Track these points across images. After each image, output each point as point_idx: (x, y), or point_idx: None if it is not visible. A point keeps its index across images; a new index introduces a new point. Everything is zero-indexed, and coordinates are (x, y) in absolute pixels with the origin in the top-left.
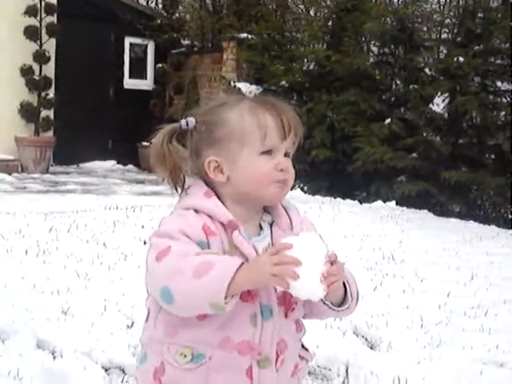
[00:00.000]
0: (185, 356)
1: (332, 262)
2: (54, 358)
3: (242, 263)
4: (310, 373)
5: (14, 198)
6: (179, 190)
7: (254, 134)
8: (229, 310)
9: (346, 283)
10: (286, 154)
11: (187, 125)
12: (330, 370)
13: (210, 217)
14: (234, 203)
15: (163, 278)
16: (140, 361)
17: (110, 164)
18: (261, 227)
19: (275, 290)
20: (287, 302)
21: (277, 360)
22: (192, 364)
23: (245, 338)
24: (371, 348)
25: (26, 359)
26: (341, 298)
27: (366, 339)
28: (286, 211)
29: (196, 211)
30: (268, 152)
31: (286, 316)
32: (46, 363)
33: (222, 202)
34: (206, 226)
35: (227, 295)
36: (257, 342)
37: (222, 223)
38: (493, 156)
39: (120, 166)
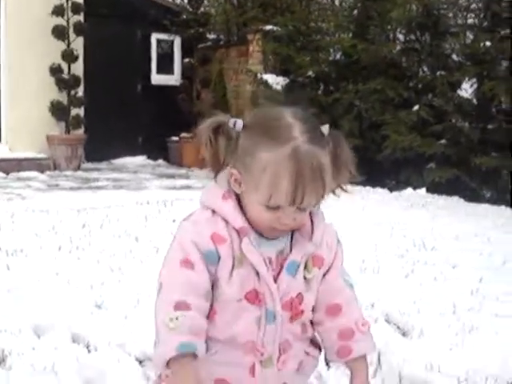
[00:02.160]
0: None
1: None
2: (89, 351)
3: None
4: None
5: (46, 196)
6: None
7: (264, 188)
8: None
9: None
10: (298, 207)
11: (234, 126)
12: None
13: (225, 220)
14: None
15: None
16: (155, 345)
17: (141, 159)
18: None
19: (280, 296)
20: (294, 308)
21: (278, 359)
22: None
23: (250, 338)
24: (403, 335)
25: (61, 353)
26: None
27: (398, 327)
28: (310, 215)
29: (213, 212)
30: (273, 207)
31: (291, 321)
32: (81, 357)
33: (241, 203)
34: (216, 235)
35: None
36: (260, 343)
37: (235, 228)
38: None
39: (150, 161)
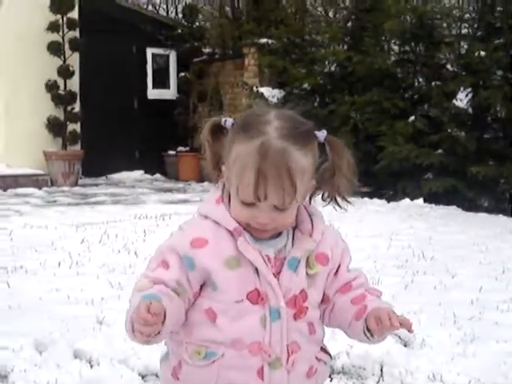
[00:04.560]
0: (199, 353)
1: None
2: (91, 366)
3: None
4: (344, 372)
5: (45, 212)
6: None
7: (233, 180)
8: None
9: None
10: (275, 207)
11: (225, 123)
12: (364, 369)
13: (216, 223)
14: None
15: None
16: (162, 359)
17: (138, 174)
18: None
19: (283, 293)
20: (298, 305)
21: (287, 360)
22: (205, 361)
23: (255, 339)
24: (405, 346)
25: (63, 369)
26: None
27: (400, 337)
28: (309, 216)
29: (206, 217)
30: (245, 202)
31: (295, 319)
32: (84, 372)
33: None
34: (197, 239)
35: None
36: (267, 344)
37: (229, 230)
38: None
39: (147, 176)
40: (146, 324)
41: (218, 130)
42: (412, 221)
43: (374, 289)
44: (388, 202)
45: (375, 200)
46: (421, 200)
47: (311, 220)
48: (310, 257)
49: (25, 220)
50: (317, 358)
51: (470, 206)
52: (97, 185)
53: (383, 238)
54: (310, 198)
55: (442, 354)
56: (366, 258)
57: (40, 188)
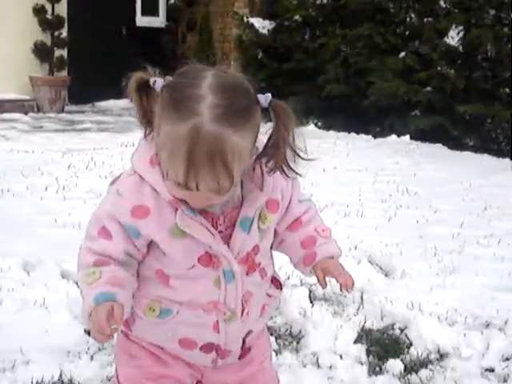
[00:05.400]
0: (153, 310)
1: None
2: (79, 286)
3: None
4: (326, 299)
5: (31, 137)
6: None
7: (164, 160)
8: None
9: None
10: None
11: (154, 84)
12: (345, 296)
13: (155, 189)
14: None
15: (79, 254)
16: None
17: (124, 102)
18: None
19: (235, 255)
20: (250, 261)
21: (242, 312)
22: (159, 319)
23: (210, 299)
24: (386, 276)
25: (51, 289)
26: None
27: (381, 267)
28: (260, 166)
29: (142, 178)
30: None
31: (247, 274)
32: (71, 292)
33: None
34: (137, 208)
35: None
36: (222, 302)
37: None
38: (507, 89)
39: None
40: (105, 333)
41: (146, 88)
42: (398, 157)
43: (324, 227)
44: (375, 137)
45: (362, 136)
46: (407, 137)
47: (261, 167)
48: (262, 210)
49: (11, 145)
50: (268, 295)
51: (456, 144)
52: (83, 112)
53: (369, 173)
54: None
55: (422, 284)
56: (351, 191)
57: (26, 113)
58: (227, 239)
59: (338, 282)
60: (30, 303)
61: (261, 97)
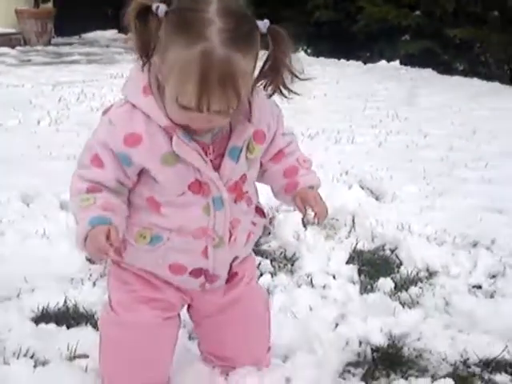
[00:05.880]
0: (144, 237)
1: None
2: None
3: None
4: (318, 223)
5: (20, 71)
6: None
7: (173, 84)
8: None
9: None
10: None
11: (157, 9)
12: (337, 220)
13: (147, 116)
14: None
15: (72, 181)
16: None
17: (112, 33)
18: None
19: (224, 183)
20: (238, 189)
21: (230, 238)
22: (150, 246)
23: (199, 225)
24: (376, 199)
25: (51, 220)
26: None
27: (372, 191)
28: (248, 98)
29: (134, 106)
30: (183, 107)
31: (235, 202)
32: (71, 223)
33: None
34: (130, 136)
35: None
36: (211, 228)
37: (160, 125)
38: (496, 12)
39: (122, 35)
40: (103, 251)
41: (146, 15)
42: (388, 82)
43: (305, 158)
44: (365, 63)
45: (352, 62)
46: (397, 62)
47: (249, 100)
48: (250, 140)
49: (0, 79)
50: (253, 223)
51: (446, 68)
52: (70, 44)
53: (359, 100)
54: (252, 89)
55: (411, 206)
56: (342, 118)
57: (13, 47)
58: (217, 168)
59: (313, 211)
60: (32, 234)
61: (260, 23)
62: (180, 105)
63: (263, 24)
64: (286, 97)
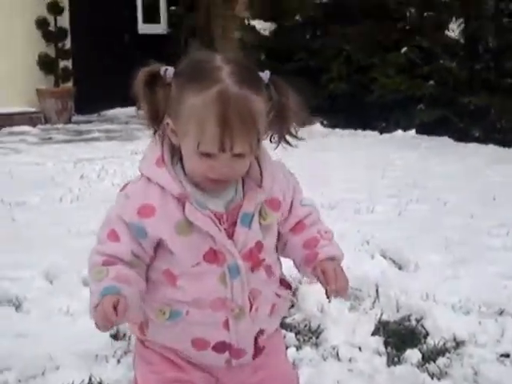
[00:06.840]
0: (164, 313)
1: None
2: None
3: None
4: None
5: (41, 149)
6: (156, 133)
7: (193, 132)
8: None
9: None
10: (234, 155)
11: (165, 72)
12: (360, 290)
13: (162, 187)
14: None
15: (89, 257)
16: None
17: (131, 110)
18: None
19: (239, 250)
20: (254, 257)
21: (251, 309)
22: (170, 321)
23: (216, 296)
24: (399, 269)
25: (74, 297)
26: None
27: (394, 261)
28: (257, 162)
29: (149, 179)
30: (205, 154)
31: (252, 271)
32: None
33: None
34: (144, 207)
35: None
36: (229, 298)
37: (173, 195)
38: (510, 79)
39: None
40: (109, 320)
41: (154, 81)
42: (404, 152)
43: (326, 229)
44: (380, 133)
45: (368, 132)
46: (413, 131)
47: (259, 166)
48: (262, 207)
49: (22, 158)
50: (277, 295)
51: (461, 136)
52: (90, 121)
53: (376, 169)
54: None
55: (435, 275)
56: (360, 187)
57: (34, 126)
58: (230, 236)
59: (332, 287)
60: (55, 311)
61: (261, 74)
62: (202, 153)
63: (265, 74)
64: (290, 145)
